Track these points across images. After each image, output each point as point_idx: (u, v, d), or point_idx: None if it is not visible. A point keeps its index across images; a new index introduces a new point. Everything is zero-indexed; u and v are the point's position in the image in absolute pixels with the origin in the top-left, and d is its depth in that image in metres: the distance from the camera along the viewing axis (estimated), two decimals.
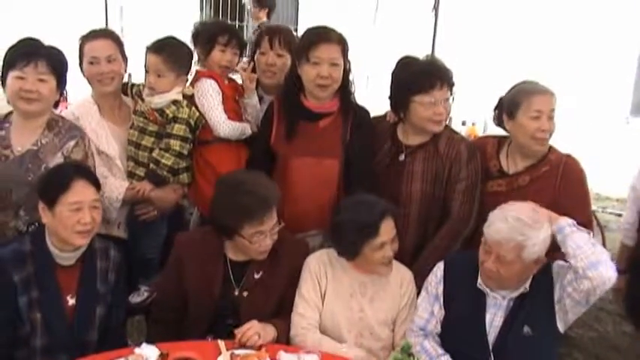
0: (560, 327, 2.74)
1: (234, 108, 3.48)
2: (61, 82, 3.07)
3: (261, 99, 3.61)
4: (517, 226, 2.60)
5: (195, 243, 3.02)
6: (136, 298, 3.39)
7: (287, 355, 2.65)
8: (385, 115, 3.43)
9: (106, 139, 3.32)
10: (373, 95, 4.10)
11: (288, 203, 3.17)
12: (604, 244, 4.03)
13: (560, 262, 2.72)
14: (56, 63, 3.01)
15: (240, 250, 2.94)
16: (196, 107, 3.39)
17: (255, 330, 2.73)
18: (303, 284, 2.98)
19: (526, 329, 2.72)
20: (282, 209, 3.19)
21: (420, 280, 3.01)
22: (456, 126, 6.03)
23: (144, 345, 2.66)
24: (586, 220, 3.05)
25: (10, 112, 3.09)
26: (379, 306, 2.98)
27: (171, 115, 3.28)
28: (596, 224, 3.73)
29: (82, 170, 2.84)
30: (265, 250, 2.91)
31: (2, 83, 3.02)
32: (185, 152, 3.34)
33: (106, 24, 7.68)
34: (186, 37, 3.51)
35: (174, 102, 3.29)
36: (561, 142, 3.28)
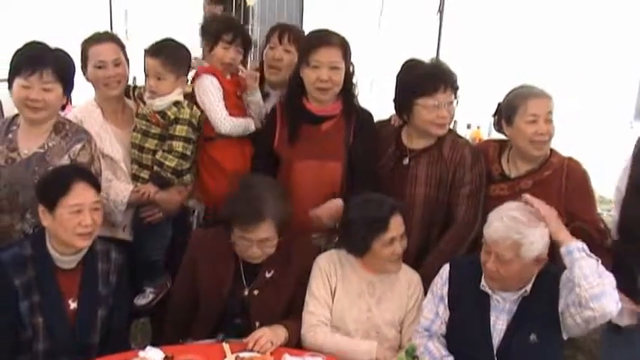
0: (564, 335, 2.74)
1: (236, 104, 3.47)
2: (68, 87, 3.06)
3: (267, 95, 3.61)
4: (513, 224, 2.63)
5: (208, 242, 3.05)
6: (141, 301, 3.39)
7: (291, 358, 2.66)
8: (390, 119, 3.43)
9: (109, 142, 3.33)
10: (378, 98, 4.10)
11: (291, 206, 3.20)
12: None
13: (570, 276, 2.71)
14: (62, 69, 3.00)
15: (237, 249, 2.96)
16: (197, 104, 3.39)
17: (267, 338, 2.75)
18: (314, 282, 3.01)
19: (532, 337, 2.72)
20: None
21: (425, 285, 3.02)
22: (461, 129, 6.01)
23: (148, 348, 2.67)
24: (595, 220, 3.08)
25: (17, 115, 3.10)
26: (387, 306, 2.99)
27: (172, 117, 3.28)
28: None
29: (81, 172, 2.84)
30: (254, 257, 2.93)
31: (9, 86, 3.01)
32: (188, 153, 3.33)
33: (111, 27, 7.68)
34: (190, 41, 3.52)
35: (176, 103, 3.30)
36: (565, 145, 3.28)
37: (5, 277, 2.67)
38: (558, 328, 2.72)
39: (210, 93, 3.39)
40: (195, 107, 3.38)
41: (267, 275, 2.99)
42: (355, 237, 2.92)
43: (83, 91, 3.46)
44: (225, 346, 2.72)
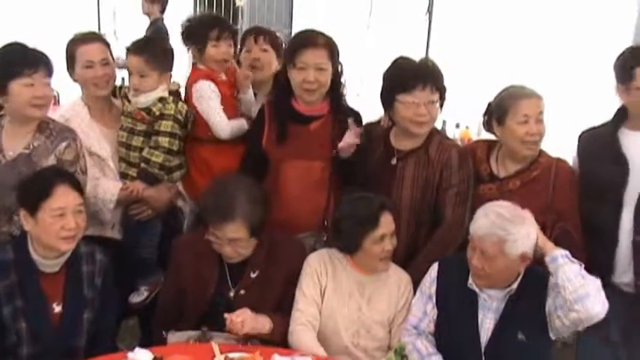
0: (552, 335, 2.75)
1: (232, 105, 3.49)
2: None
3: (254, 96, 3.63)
4: (497, 221, 2.65)
5: (191, 245, 3.04)
6: (136, 298, 3.39)
7: (281, 358, 2.65)
8: (379, 120, 3.43)
9: (97, 140, 3.32)
10: (367, 98, 4.10)
11: (279, 205, 3.19)
12: None
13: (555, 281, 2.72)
14: (50, 66, 3.01)
15: None
16: (186, 103, 3.40)
17: (243, 317, 2.76)
18: (304, 281, 3.01)
19: (520, 336, 2.74)
20: (274, 211, 3.21)
21: (414, 286, 3.03)
22: (450, 129, 6.03)
23: (137, 349, 2.65)
24: (577, 221, 3.09)
25: (0, 116, 3.08)
26: (377, 306, 3.00)
27: (157, 113, 3.29)
28: None
29: (63, 174, 2.81)
30: (229, 256, 2.93)
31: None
32: (175, 148, 3.33)
33: (99, 27, 7.67)
34: (179, 40, 3.51)
35: (160, 99, 3.31)
36: (555, 145, 3.29)
37: None
38: (546, 328, 2.74)
39: (210, 98, 3.39)
40: (180, 103, 3.38)
41: (253, 275, 2.98)
42: (346, 235, 2.93)
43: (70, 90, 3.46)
44: (215, 346, 2.71)
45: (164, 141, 3.29)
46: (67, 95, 3.44)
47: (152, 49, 3.32)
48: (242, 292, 2.97)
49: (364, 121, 3.41)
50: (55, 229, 2.66)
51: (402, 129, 3.19)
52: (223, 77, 3.49)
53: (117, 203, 3.30)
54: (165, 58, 3.35)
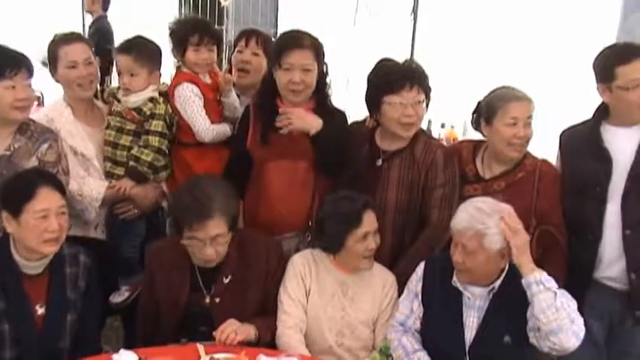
0: (534, 343, 2.74)
1: (215, 109, 3.47)
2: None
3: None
4: (477, 215, 2.68)
5: (162, 252, 3.00)
6: (117, 298, 3.38)
7: (267, 359, 2.64)
8: (365, 120, 3.43)
9: (81, 140, 3.31)
10: (353, 98, 4.11)
11: (264, 206, 3.21)
12: None
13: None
14: (31, 67, 2.99)
15: (191, 255, 2.91)
16: (172, 106, 3.39)
17: (232, 328, 2.74)
18: (289, 283, 3.01)
19: (507, 339, 2.75)
20: (258, 211, 3.22)
21: (399, 287, 3.04)
22: (436, 128, 6.05)
23: (121, 351, 2.64)
24: (560, 222, 3.11)
25: None
26: (360, 306, 3.01)
27: (148, 112, 3.31)
28: None
29: (45, 176, 2.78)
30: (208, 259, 2.87)
31: None
32: (164, 148, 3.36)
33: (83, 28, 7.63)
34: (164, 41, 3.50)
35: (151, 99, 3.33)
36: (542, 146, 3.30)
37: None
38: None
39: (193, 102, 3.38)
40: (169, 104, 3.40)
41: (225, 281, 2.94)
42: (329, 233, 2.94)
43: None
44: (200, 347, 2.70)
45: (154, 140, 3.31)
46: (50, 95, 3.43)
47: (140, 47, 3.34)
48: (217, 299, 2.94)
49: (349, 121, 3.42)
50: (38, 232, 2.64)
51: (389, 131, 3.20)
52: (207, 80, 3.48)
53: (102, 202, 3.30)
54: (153, 56, 3.38)
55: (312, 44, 3.20)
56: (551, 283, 2.63)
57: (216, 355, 2.64)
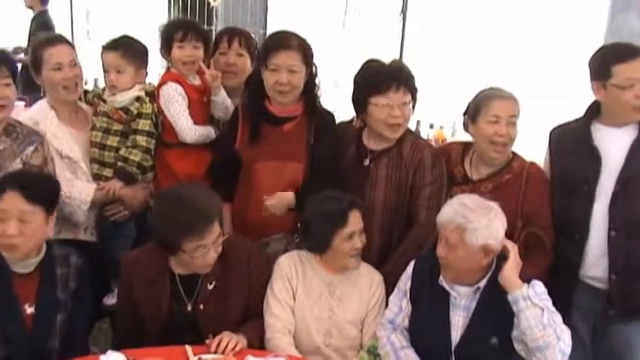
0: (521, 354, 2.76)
1: (200, 111, 3.45)
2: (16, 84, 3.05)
3: None
4: (460, 209, 2.70)
5: (139, 262, 2.94)
6: (110, 300, 3.37)
7: (254, 359, 2.65)
8: (352, 120, 3.44)
9: (67, 143, 3.30)
10: (342, 99, 4.11)
11: (252, 207, 3.21)
12: None
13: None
14: (12, 65, 2.99)
15: (185, 265, 2.87)
16: (157, 105, 3.39)
17: (229, 338, 2.72)
18: (276, 285, 3.00)
19: (494, 340, 2.76)
20: (247, 213, 3.21)
21: (387, 287, 3.05)
22: (424, 129, 6.05)
23: (109, 352, 2.64)
24: (547, 224, 3.12)
25: None
26: (347, 306, 3.01)
27: (135, 112, 3.31)
28: None
29: (17, 182, 2.69)
30: (209, 264, 2.85)
31: None
32: (152, 147, 3.35)
33: (72, 27, 7.60)
34: (153, 41, 3.50)
35: (137, 98, 3.33)
36: (530, 148, 3.31)
37: None
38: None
39: (176, 102, 3.37)
40: (155, 104, 3.39)
41: (209, 287, 2.90)
42: (315, 234, 2.94)
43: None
44: (188, 348, 2.69)
45: (142, 140, 3.31)
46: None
47: (126, 45, 3.35)
48: (201, 306, 2.90)
49: (338, 121, 3.42)
50: None
51: (375, 132, 3.20)
52: (196, 82, 3.46)
53: (92, 204, 3.29)
54: (139, 54, 3.37)
55: (299, 45, 3.20)
56: (538, 298, 2.64)
57: (204, 356, 2.65)
